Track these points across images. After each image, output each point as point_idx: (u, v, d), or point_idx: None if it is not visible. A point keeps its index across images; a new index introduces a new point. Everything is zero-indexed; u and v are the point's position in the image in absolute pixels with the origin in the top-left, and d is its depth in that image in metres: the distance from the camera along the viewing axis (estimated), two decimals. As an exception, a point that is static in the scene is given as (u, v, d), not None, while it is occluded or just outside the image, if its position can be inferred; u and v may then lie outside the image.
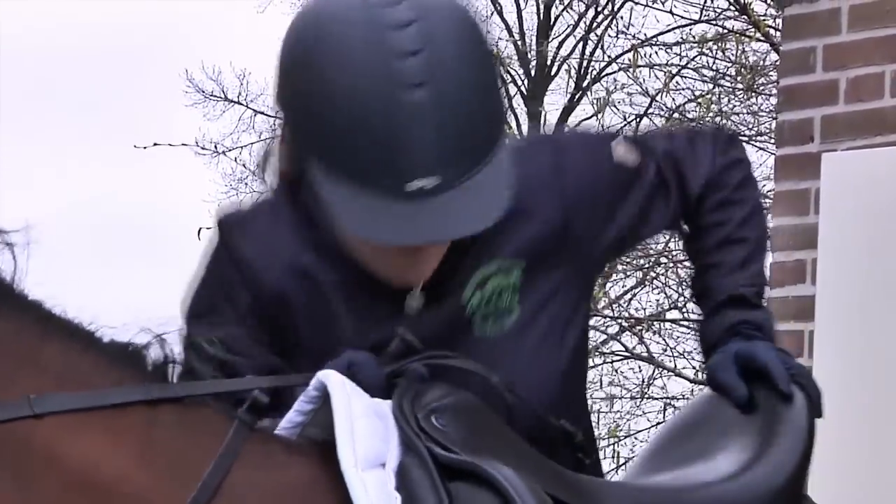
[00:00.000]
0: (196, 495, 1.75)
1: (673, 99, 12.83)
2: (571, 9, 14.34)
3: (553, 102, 14.80)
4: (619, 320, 12.35)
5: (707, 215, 2.24)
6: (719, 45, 12.21)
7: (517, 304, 2.07)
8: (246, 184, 13.90)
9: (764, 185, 7.66)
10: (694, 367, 11.61)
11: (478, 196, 1.92)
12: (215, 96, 14.44)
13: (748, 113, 12.60)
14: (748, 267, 2.22)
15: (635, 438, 12.77)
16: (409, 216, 1.90)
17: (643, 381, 12.96)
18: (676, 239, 3.05)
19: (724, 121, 12.04)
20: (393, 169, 1.87)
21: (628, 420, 13.15)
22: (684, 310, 11.77)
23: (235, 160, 14.01)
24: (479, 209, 1.93)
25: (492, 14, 14.12)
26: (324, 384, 1.88)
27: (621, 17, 13.59)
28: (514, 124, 13.30)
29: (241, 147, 14.01)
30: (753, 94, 12.16)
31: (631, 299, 12.76)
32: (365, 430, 1.86)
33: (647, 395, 13.03)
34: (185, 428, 1.81)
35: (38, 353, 1.80)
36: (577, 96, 14.48)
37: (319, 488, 1.84)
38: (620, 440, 12.73)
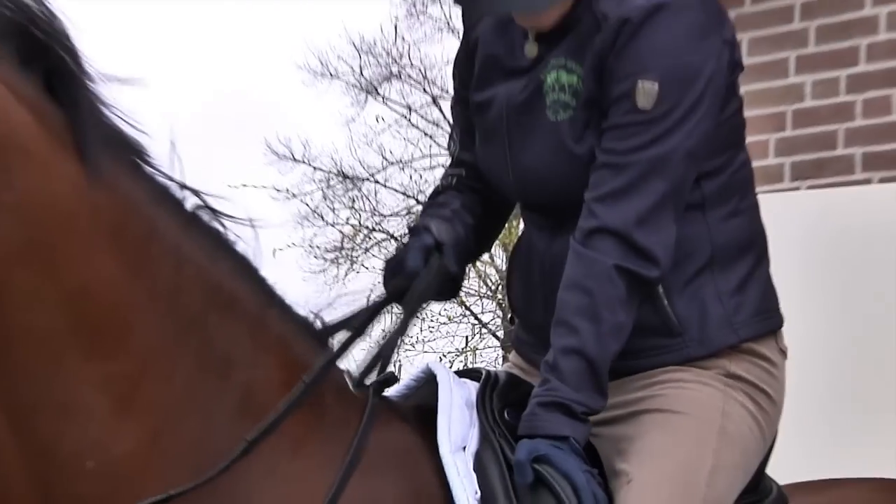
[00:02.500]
0: (351, 455, 2.24)
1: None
2: None
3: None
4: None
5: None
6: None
7: (572, 107, 2.43)
8: (308, 220, 18.20)
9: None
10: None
11: None
12: (286, 157, 18.97)
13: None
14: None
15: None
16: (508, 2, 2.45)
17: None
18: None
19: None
20: None
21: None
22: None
23: (301, 201, 18.49)
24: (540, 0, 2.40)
25: None
26: (432, 372, 2.41)
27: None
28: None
29: (305, 193, 18.55)
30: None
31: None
32: (458, 418, 2.34)
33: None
34: (341, 401, 2.30)
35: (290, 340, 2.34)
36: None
37: (422, 457, 2.29)
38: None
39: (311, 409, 2.25)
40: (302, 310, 2.37)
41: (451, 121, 2.75)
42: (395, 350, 2.39)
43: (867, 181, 4.85)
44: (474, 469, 2.30)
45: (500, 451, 2.33)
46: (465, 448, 2.33)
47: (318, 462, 2.21)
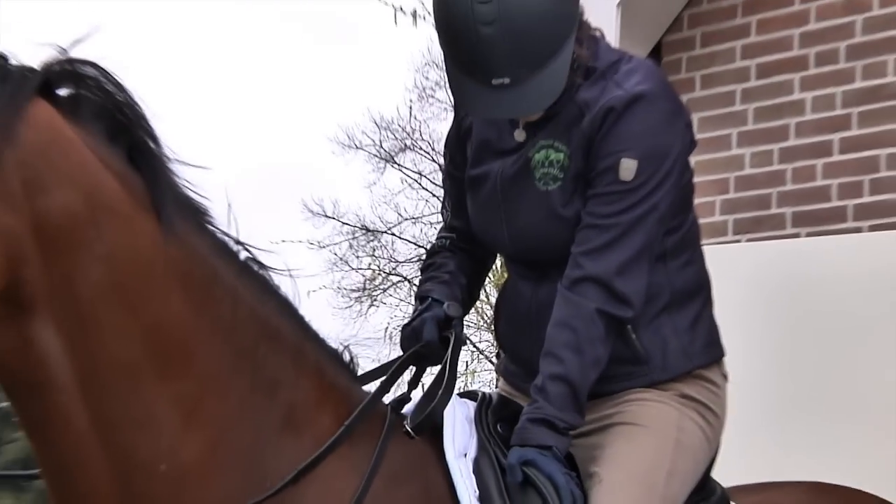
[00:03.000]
0: (374, 461, 2.29)
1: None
2: None
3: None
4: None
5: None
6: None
7: (560, 179, 2.47)
8: (337, 266, 19.08)
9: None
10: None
11: (531, 93, 2.38)
12: (319, 214, 19.77)
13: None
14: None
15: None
16: (493, 101, 2.39)
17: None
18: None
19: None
20: (480, 70, 2.35)
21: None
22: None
23: (330, 251, 19.26)
24: (531, 102, 2.40)
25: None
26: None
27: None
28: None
29: (334, 244, 19.35)
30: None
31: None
32: (460, 430, 2.39)
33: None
34: (365, 419, 2.33)
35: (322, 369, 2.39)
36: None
37: (431, 462, 2.35)
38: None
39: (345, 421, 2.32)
40: (332, 342, 2.42)
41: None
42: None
43: (796, 235, 4.90)
44: (474, 472, 2.37)
45: (495, 458, 2.40)
46: (466, 455, 2.40)
47: (349, 464, 2.26)
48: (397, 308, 17.16)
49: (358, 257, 18.19)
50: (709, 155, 5.06)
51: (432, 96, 17.73)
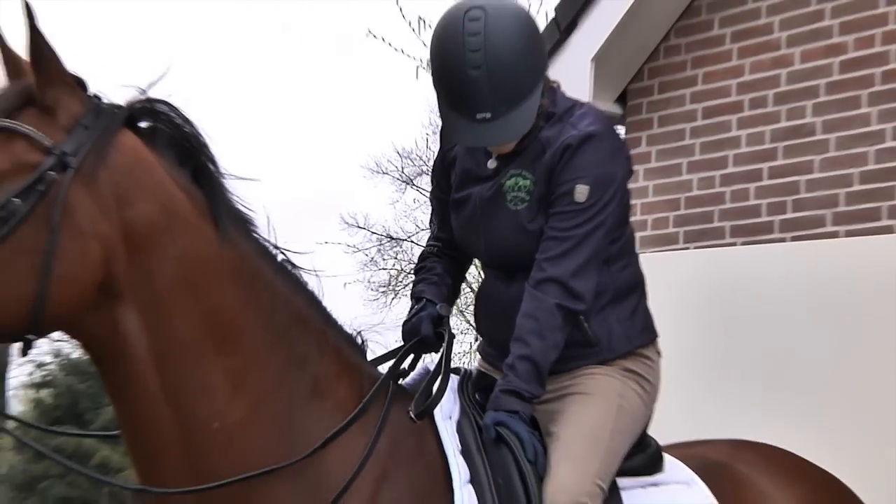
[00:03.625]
0: (379, 424, 2.32)
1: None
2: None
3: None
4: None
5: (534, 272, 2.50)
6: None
7: (527, 200, 2.50)
8: (367, 266, 19.27)
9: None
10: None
11: (508, 126, 2.43)
12: (354, 225, 19.88)
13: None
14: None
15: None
16: (476, 132, 2.43)
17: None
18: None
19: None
20: (467, 106, 2.41)
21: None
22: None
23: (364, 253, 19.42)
24: (507, 133, 2.44)
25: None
26: (430, 370, 2.51)
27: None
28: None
29: (366, 248, 19.42)
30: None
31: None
32: (446, 398, 2.40)
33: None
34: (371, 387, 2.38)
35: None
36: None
37: (424, 424, 2.37)
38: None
39: (359, 391, 2.38)
40: (348, 329, 2.46)
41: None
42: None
43: (733, 244, 4.95)
44: (457, 431, 2.41)
45: (474, 420, 2.44)
46: (451, 417, 2.43)
47: (361, 425, 2.31)
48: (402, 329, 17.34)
49: (384, 259, 18.73)
50: (664, 180, 5.21)
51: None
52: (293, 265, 2.35)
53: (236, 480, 2.14)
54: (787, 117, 4.80)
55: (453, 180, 2.62)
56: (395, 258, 19.10)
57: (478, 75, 2.35)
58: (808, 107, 4.73)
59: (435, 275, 2.67)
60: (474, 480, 2.31)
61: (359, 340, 2.46)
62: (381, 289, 18.75)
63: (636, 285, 2.64)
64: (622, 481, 2.53)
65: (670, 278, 4.85)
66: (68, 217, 2.02)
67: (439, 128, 2.60)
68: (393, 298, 18.36)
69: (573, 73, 5.08)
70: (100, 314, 2.09)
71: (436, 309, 2.56)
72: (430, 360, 2.58)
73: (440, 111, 2.47)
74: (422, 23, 13.08)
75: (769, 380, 4.61)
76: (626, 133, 5.37)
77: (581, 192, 2.42)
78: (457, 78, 2.38)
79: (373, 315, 17.45)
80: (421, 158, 18.83)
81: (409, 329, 2.57)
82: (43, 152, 2.02)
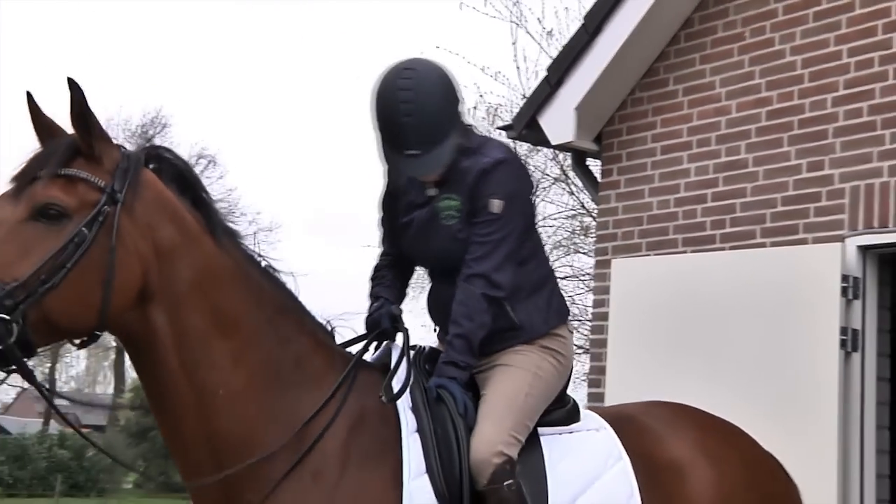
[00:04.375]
0: (340, 382, 2.42)
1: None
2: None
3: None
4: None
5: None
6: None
7: (456, 217, 2.57)
8: None
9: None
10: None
11: (432, 160, 2.51)
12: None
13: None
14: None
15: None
16: (407, 165, 2.52)
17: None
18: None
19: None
20: (399, 145, 2.51)
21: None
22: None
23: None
24: (431, 166, 2.52)
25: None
26: (391, 347, 2.60)
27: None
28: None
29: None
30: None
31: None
32: (401, 372, 2.48)
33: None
34: (340, 359, 2.47)
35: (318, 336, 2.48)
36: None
37: (381, 384, 2.47)
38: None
39: (331, 363, 2.47)
40: (320, 317, 2.52)
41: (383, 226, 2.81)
42: (407, 387, 2.46)
43: (684, 252, 5.14)
44: (409, 393, 2.48)
45: (422, 385, 2.52)
46: (404, 382, 2.53)
47: (329, 385, 2.42)
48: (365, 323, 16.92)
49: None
50: (630, 202, 5.46)
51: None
52: (274, 269, 2.47)
53: (254, 462, 2.23)
54: (727, 154, 5.02)
55: (400, 208, 2.73)
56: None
57: (408, 121, 2.48)
58: (742, 146, 4.96)
59: (388, 280, 2.78)
60: (420, 430, 2.43)
61: (328, 327, 2.55)
62: (411, 293, 18.52)
63: (547, 279, 2.75)
64: (543, 430, 2.65)
65: (635, 279, 5.19)
66: (120, 240, 2.16)
67: (384, 169, 2.75)
68: (420, 293, 18.11)
69: (561, 118, 5.44)
70: (137, 313, 2.24)
71: (391, 307, 2.67)
72: (392, 345, 2.64)
73: (380, 149, 2.59)
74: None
75: (710, 358, 4.79)
76: (601, 165, 5.63)
77: (496, 205, 2.53)
78: (393, 122, 2.50)
79: (409, 311, 17.22)
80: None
81: (370, 323, 2.67)
82: (99, 191, 2.18)
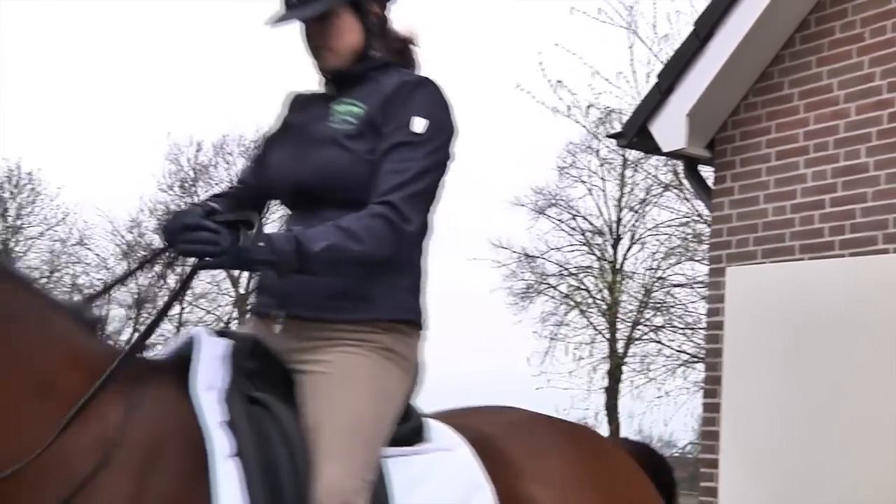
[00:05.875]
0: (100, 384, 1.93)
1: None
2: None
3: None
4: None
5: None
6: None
7: (354, 124, 2.21)
8: (509, 277, 18.47)
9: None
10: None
11: (308, 9, 2.19)
12: (499, 245, 18.90)
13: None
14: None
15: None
16: (290, 14, 2.22)
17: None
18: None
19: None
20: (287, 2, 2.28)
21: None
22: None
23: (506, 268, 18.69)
24: (308, 12, 2.19)
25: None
26: (192, 336, 2.11)
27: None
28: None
29: (508, 263, 18.56)
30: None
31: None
32: (207, 368, 2.03)
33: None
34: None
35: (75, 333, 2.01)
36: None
37: (174, 392, 1.99)
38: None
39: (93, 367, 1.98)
40: (76, 304, 2.05)
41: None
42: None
43: (801, 259, 4.98)
44: (226, 401, 1.99)
45: (243, 391, 2.05)
46: (214, 388, 2.01)
47: (110, 404, 1.90)
48: (545, 303, 17.43)
49: (521, 272, 18.59)
50: (745, 209, 5.30)
51: (567, 173, 17.82)
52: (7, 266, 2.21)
53: None
54: (845, 158, 4.87)
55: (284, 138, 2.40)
56: (531, 271, 19.30)
57: None
58: (863, 149, 4.82)
59: (230, 193, 2.42)
60: (241, 453, 1.93)
61: (91, 315, 2.06)
62: (520, 294, 18.98)
63: (420, 272, 2.30)
64: (386, 451, 2.18)
65: (750, 287, 5.10)
66: None
67: (263, 139, 2.43)
68: (529, 302, 18.57)
69: (672, 125, 5.39)
70: None
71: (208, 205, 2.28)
72: (193, 333, 2.13)
73: (278, 7, 2.35)
74: (559, 84, 13.57)
75: (830, 369, 4.62)
76: (714, 172, 5.53)
77: (419, 123, 2.17)
78: None
79: (513, 315, 17.95)
80: (550, 193, 19.02)
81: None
82: None
